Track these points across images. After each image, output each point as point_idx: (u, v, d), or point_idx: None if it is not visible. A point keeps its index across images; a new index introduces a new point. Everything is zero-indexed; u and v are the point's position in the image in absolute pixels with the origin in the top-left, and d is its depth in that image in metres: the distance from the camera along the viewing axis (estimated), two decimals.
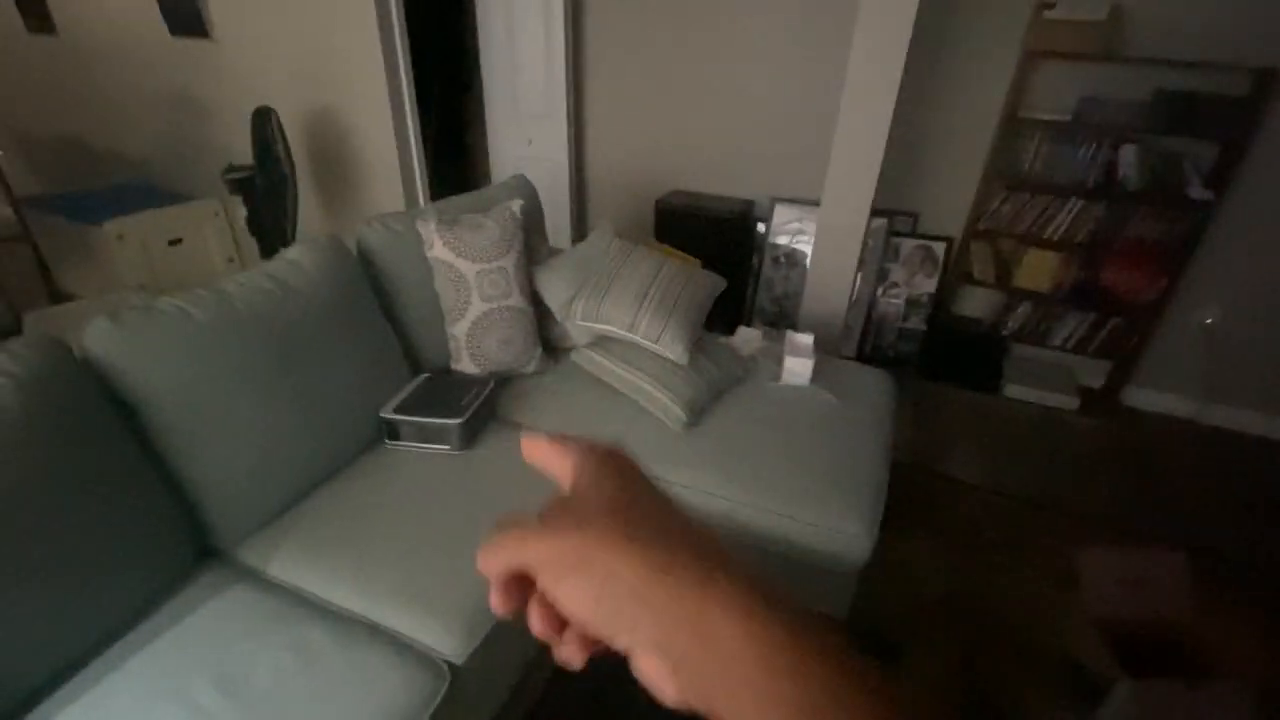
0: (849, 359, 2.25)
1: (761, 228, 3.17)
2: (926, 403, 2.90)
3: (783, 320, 3.22)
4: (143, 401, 1.25)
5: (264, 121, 2.97)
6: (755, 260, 3.23)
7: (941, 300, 3.03)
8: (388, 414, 1.65)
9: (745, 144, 3.18)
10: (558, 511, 0.29)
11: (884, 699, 0.23)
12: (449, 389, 1.76)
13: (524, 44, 3.27)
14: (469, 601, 1.26)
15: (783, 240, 3.14)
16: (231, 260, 3.47)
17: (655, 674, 0.25)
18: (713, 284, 2.09)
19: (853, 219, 2.50)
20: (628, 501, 0.28)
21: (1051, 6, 2.42)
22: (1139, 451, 2.65)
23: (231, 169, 3.10)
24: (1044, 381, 2.91)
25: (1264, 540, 2.17)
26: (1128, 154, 2.50)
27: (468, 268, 1.84)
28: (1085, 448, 2.65)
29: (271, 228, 3.14)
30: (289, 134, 3.03)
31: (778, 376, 2.01)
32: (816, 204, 2.64)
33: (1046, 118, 2.57)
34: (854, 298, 2.79)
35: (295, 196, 3.08)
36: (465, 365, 1.92)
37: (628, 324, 1.88)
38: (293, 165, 3.03)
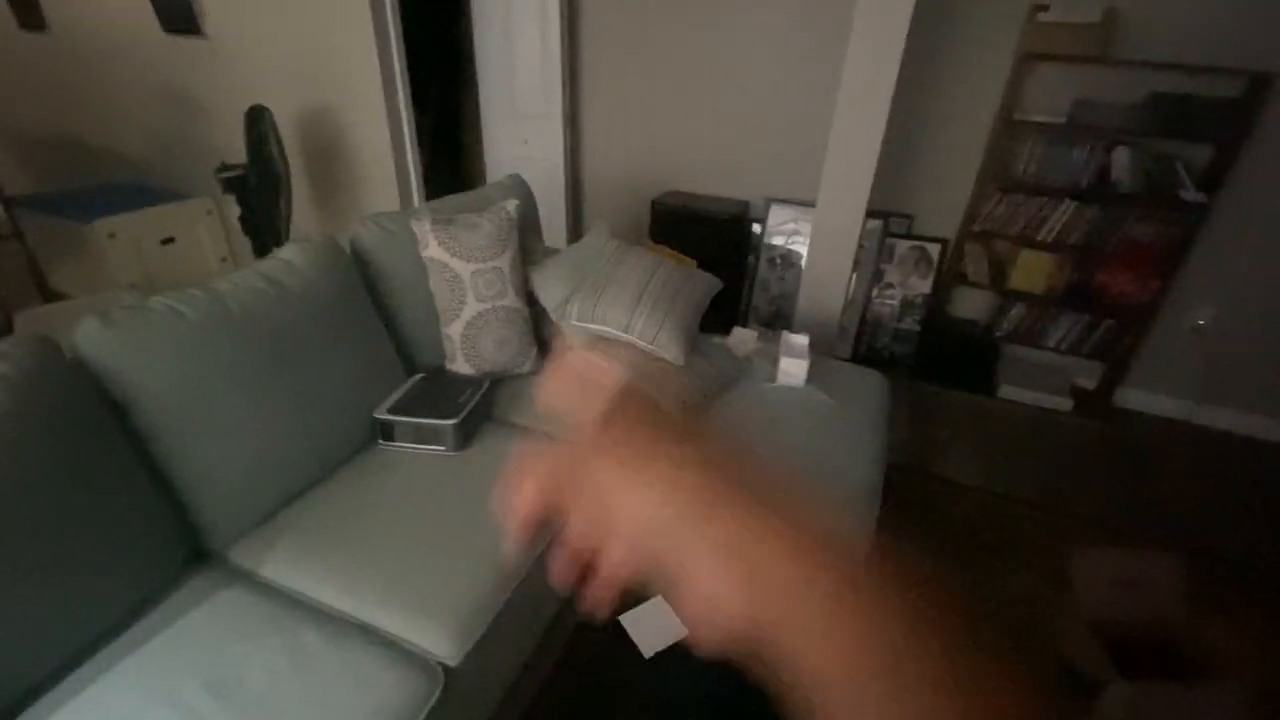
0: (844, 360, 2.26)
1: (757, 228, 3.18)
2: (921, 404, 2.90)
3: (778, 321, 3.22)
4: (134, 402, 1.24)
5: (257, 120, 2.95)
6: (751, 261, 3.24)
7: (936, 301, 3.04)
8: (382, 414, 1.64)
9: (741, 145, 3.18)
10: (611, 427, 0.28)
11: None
12: (443, 389, 1.75)
13: (520, 44, 3.26)
14: (463, 603, 1.26)
15: (778, 241, 3.14)
16: (225, 260, 3.45)
17: (724, 580, 0.23)
18: (708, 285, 2.09)
19: (848, 220, 2.50)
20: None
21: (1046, 9, 2.43)
22: (1132, 453, 2.66)
23: (224, 167, 3.08)
24: (1038, 382, 2.92)
25: (1257, 541, 2.18)
26: (1121, 156, 2.51)
27: (463, 267, 1.83)
28: (1079, 449, 2.66)
29: (265, 227, 3.12)
30: (283, 133, 3.02)
31: (773, 377, 2.01)
32: (812, 205, 2.64)
33: (1041, 120, 2.58)
34: (849, 299, 2.80)
35: (289, 196, 3.06)
36: (460, 365, 1.91)
37: (623, 324, 1.88)
38: (286, 164, 3.01)
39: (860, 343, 3.19)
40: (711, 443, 0.27)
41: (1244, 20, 2.28)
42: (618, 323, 1.89)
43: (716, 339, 2.14)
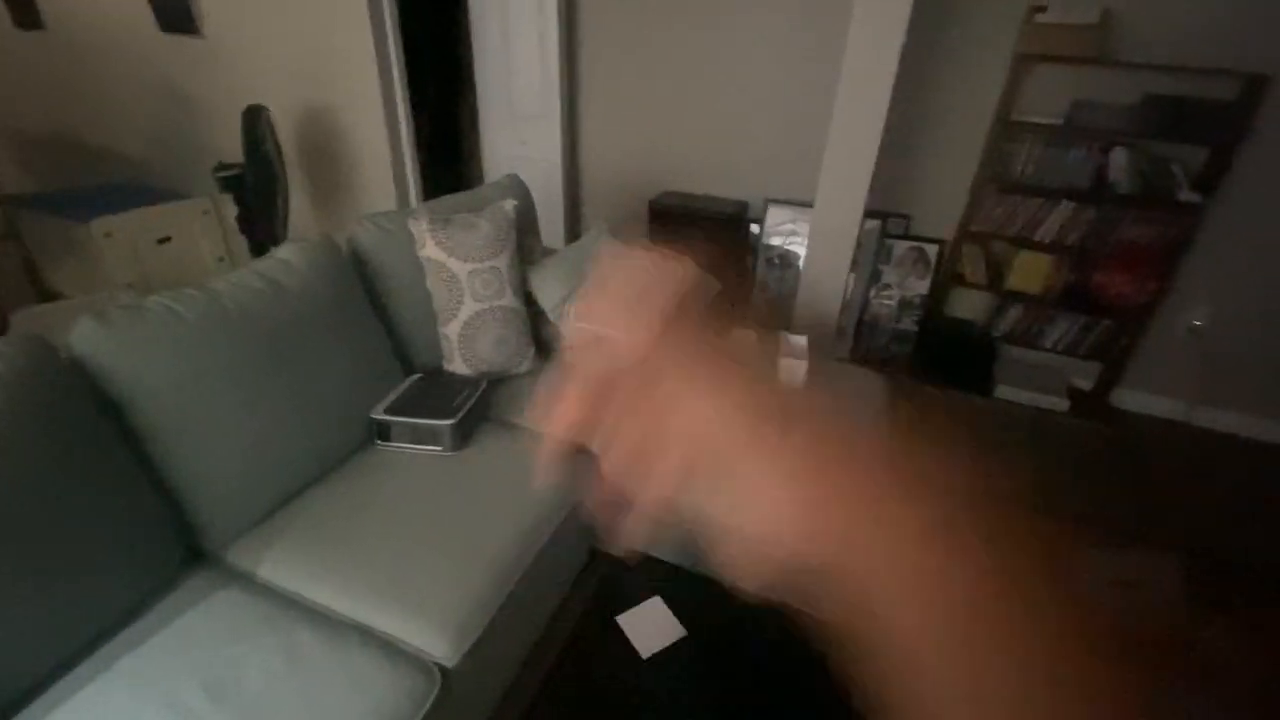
0: (842, 360, 2.26)
1: (755, 229, 3.18)
2: (918, 404, 2.91)
3: (776, 321, 3.22)
4: (130, 402, 1.24)
5: (255, 120, 2.95)
6: (749, 261, 3.24)
7: (934, 302, 3.04)
8: (379, 415, 1.64)
9: (739, 145, 3.18)
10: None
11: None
12: (441, 390, 1.75)
13: (518, 43, 3.26)
14: (461, 604, 1.26)
15: (776, 241, 3.14)
16: (222, 259, 3.43)
17: (791, 508, 0.21)
18: (706, 285, 2.09)
19: (846, 220, 2.50)
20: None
21: (1044, 10, 2.43)
22: (1129, 453, 2.66)
23: (222, 167, 3.07)
24: (1035, 383, 2.93)
25: (1254, 542, 2.18)
26: (1118, 157, 2.51)
27: (460, 267, 1.83)
28: (1076, 449, 2.66)
29: (262, 227, 3.12)
30: (281, 132, 3.01)
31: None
32: (810, 205, 2.64)
33: (1038, 121, 2.59)
34: (847, 299, 2.80)
35: (286, 195, 3.06)
36: (457, 365, 1.91)
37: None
38: (283, 164, 3.01)
39: (858, 343, 3.19)
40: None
41: (1240, 22, 2.28)
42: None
43: None
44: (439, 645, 1.21)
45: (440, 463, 1.61)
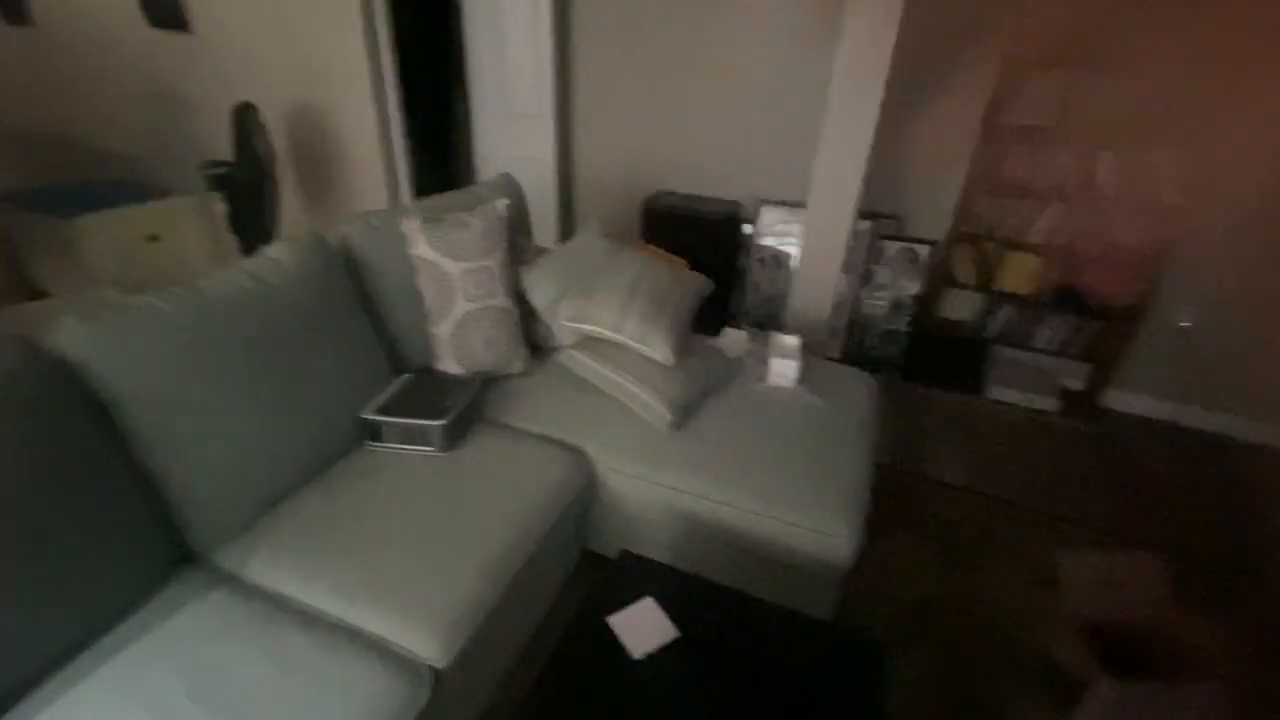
0: (834, 360, 2.26)
1: (748, 229, 3.18)
2: (910, 404, 2.92)
3: (769, 322, 3.23)
4: (117, 402, 1.22)
5: (244, 117, 2.93)
6: (742, 262, 3.24)
7: (925, 302, 3.05)
8: (369, 415, 1.63)
9: (733, 145, 3.18)
10: None
11: None
12: (432, 390, 1.74)
13: (511, 43, 3.25)
14: (452, 605, 1.25)
15: (769, 242, 3.15)
16: (211, 258, 3.42)
17: None
18: (699, 285, 2.09)
19: (838, 221, 2.51)
20: None
21: (1033, 14, 2.44)
22: (1119, 453, 2.69)
23: (211, 164, 3.05)
24: (1026, 383, 2.95)
25: (1241, 542, 2.21)
26: (1107, 159, 2.53)
27: (452, 266, 1.82)
28: (1066, 449, 2.68)
29: (252, 225, 3.10)
30: (271, 130, 2.99)
31: (764, 378, 2.01)
32: (803, 206, 2.65)
33: (1029, 123, 2.60)
34: (839, 299, 2.80)
35: (276, 193, 3.04)
36: (449, 365, 1.90)
37: (614, 325, 1.87)
38: (274, 162, 2.99)
39: (850, 343, 3.20)
40: None
41: None
42: (608, 323, 1.88)
43: (708, 340, 2.14)
44: (430, 647, 1.20)
45: (431, 463, 1.61)
